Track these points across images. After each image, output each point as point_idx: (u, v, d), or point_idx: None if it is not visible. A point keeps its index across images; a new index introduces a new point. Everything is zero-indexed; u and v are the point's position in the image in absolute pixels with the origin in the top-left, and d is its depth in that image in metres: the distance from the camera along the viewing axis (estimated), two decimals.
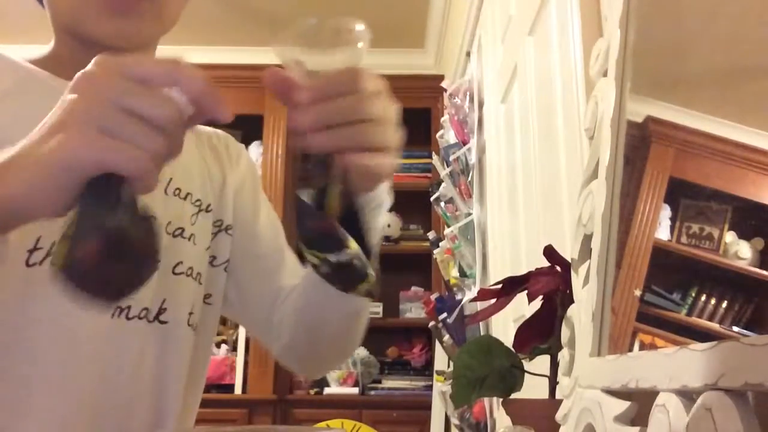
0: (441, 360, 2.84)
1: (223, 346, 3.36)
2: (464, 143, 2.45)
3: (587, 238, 0.79)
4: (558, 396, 0.78)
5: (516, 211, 1.81)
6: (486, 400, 1.94)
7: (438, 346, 2.75)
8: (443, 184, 2.60)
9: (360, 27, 0.56)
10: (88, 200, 0.46)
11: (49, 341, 0.70)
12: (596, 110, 0.82)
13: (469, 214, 2.34)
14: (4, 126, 0.60)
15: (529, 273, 0.85)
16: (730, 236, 0.61)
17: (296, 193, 0.56)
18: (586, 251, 0.78)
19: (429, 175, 3.50)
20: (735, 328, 0.59)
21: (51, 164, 0.46)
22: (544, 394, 0.83)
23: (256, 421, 3.18)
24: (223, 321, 2.89)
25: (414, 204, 3.37)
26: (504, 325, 1.78)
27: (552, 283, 0.83)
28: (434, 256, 2.87)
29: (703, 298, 0.64)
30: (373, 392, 3.45)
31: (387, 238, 3.54)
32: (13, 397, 0.68)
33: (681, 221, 0.67)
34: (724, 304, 0.62)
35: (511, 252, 1.86)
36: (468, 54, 2.71)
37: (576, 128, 1.21)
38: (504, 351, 0.83)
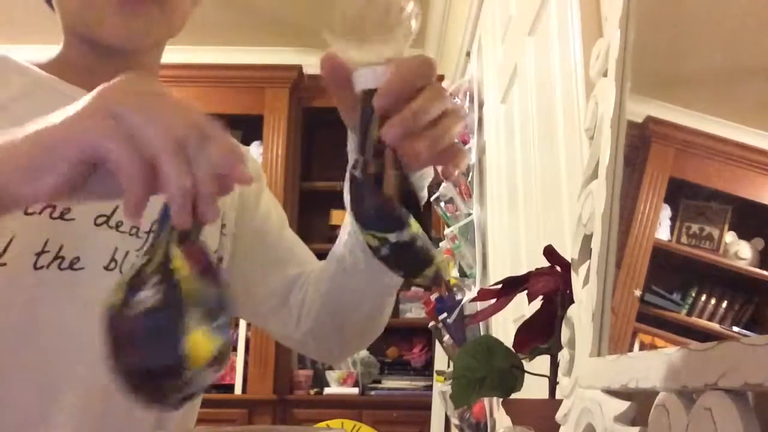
0: (441, 360, 2.84)
1: None
2: (464, 143, 2.45)
3: (587, 238, 0.79)
4: (558, 396, 0.78)
5: (516, 211, 1.81)
6: (486, 400, 1.93)
7: (438, 346, 2.75)
8: (443, 184, 2.60)
9: (411, 5, 0.53)
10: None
11: (55, 345, 0.70)
12: (596, 110, 0.82)
13: (469, 215, 2.34)
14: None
15: (529, 273, 0.85)
16: (730, 236, 0.61)
17: (351, 173, 0.53)
18: (586, 251, 0.78)
19: None
20: (735, 328, 0.59)
21: (49, 135, 0.46)
22: (544, 394, 0.83)
23: (256, 421, 3.18)
24: None
25: None
26: (504, 325, 1.78)
27: (552, 283, 0.83)
28: None
29: (703, 298, 0.64)
30: (373, 392, 3.45)
31: None
32: (18, 400, 0.68)
33: (681, 221, 0.67)
34: (724, 304, 0.62)
35: (511, 252, 1.86)
36: (468, 54, 2.71)
37: (576, 128, 1.21)
38: (504, 351, 0.83)
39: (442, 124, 0.54)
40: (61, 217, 0.71)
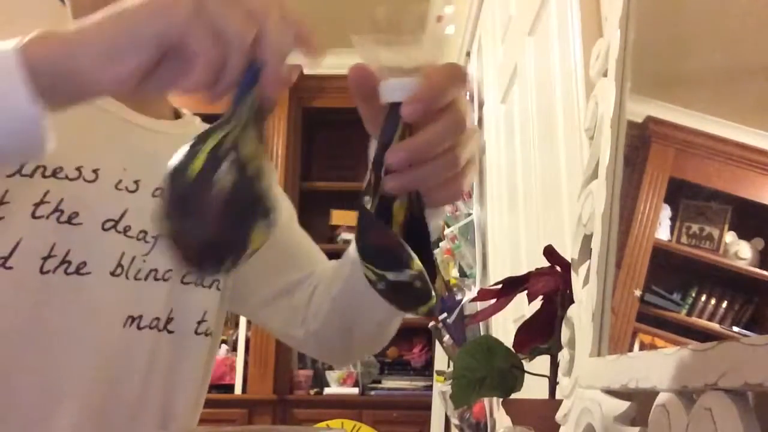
0: (441, 360, 2.84)
1: (223, 346, 3.36)
2: None
3: (587, 238, 0.79)
4: (558, 396, 0.78)
5: (516, 211, 1.81)
6: (486, 400, 1.93)
7: (438, 346, 2.75)
8: None
9: (449, 10, 0.51)
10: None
11: (61, 349, 0.70)
12: (596, 110, 0.82)
13: (469, 214, 2.34)
14: None
15: (529, 273, 0.85)
16: (730, 236, 0.61)
17: (360, 202, 0.51)
18: (586, 251, 0.78)
19: None
20: (735, 328, 0.59)
21: (132, 15, 0.45)
22: (544, 394, 0.83)
23: (256, 421, 3.18)
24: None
25: None
26: (504, 325, 1.78)
27: (552, 283, 0.83)
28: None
29: (703, 298, 0.64)
30: (373, 392, 3.45)
31: None
32: (22, 403, 0.68)
33: (681, 221, 0.67)
34: (724, 304, 0.62)
35: (511, 252, 1.86)
36: (468, 54, 2.71)
37: (576, 128, 1.21)
38: (504, 351, 0.83)
39: (453, 155, 0.50)
40: (69, 221, 0.71)
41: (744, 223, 0.60)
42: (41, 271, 0.69)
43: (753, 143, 0.57)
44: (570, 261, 0.82)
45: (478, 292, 0.93)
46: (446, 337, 2.29)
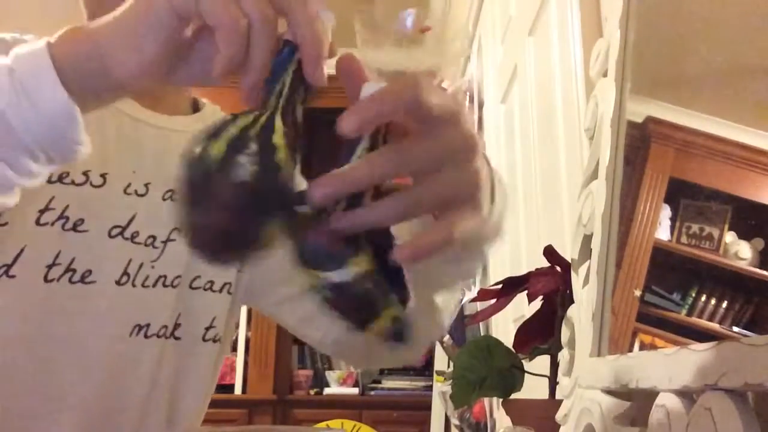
0: (441, 360, 2.84)
1: None
2: None
3: (587, 238, 0.79)
4: (558, 396, 0.78)
5: (516, 212, 1.81)
6: (486, 400, 1.93)
7: (438, 346, 2.75)
8: None
9: (466, 26, 0.48)
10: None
11: (65, 358, 0.69)
12: (596, 110, 0.82)
13: None
14: None
15: (529, 273, 0.85)
16: (730, 236, 0.61)
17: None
18: (586, 251, 0.78)
19: None
20: (735, 328, 0.59)
21: (141, 4, 0.44)
22: (544, 394, 0.83)
23: (256, 421, 3.18)
24: None
25: None
26: (504, 325, 1.78)
27: (552, 283, 0.83)
28: None
29: (703, 298, 0.64)
30: (373, 392, 3.45)
31: None
32: (25, 410, 0.68)
33: (681, 221, 0.66)
34: (724, 304, 0.62)
35: (511, 252, 1.86)
36: (468, 54, 2.71)
37: (576, 128, 1.21)
38: (504, 351, 0.83)
39: (446, 223, 0.42)
40: (74, 228, 0.69)
41: (744, 223, 0.60)
42: (45, 280, 0.68)
43: (753, 143, 0.57)
44: (570, 261, 0.82)
45: (478, 293, 0.93)
46: (446, 337, 2.29)
